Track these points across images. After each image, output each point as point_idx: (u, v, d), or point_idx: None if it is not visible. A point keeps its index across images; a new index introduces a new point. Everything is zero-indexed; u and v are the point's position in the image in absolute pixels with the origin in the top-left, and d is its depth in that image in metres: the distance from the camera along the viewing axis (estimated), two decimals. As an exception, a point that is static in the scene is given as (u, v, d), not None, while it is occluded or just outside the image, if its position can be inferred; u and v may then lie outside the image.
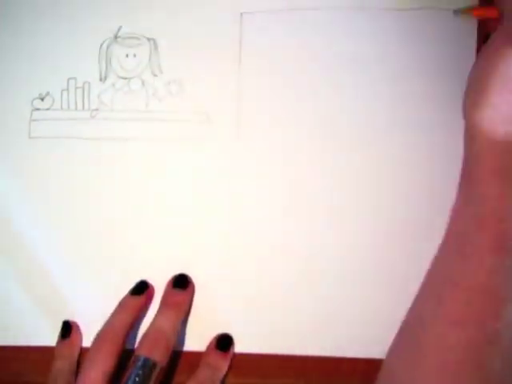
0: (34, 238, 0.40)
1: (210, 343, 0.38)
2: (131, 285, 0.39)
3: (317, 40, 0.39)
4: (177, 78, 0.40)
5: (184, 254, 0.39)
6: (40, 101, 0.40)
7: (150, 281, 0.39)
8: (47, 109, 0.40)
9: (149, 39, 0.40)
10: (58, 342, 0.39)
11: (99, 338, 0.36)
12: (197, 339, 0.39)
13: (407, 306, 0.36)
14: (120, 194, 0.40)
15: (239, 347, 0.39)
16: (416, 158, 0.38)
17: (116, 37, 0.40)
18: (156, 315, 0.37)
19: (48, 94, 0.40)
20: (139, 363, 0.34)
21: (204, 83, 0.39)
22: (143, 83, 0.40)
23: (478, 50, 0.38)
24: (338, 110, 0.39)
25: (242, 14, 0.39)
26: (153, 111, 0.40)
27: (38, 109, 0.40)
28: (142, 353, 0.35)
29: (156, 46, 0.40)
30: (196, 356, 0.39)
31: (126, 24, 0.40)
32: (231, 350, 0.38)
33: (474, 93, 0.31)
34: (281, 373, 0.39)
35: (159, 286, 0.39)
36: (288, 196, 0.39)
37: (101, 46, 0.40)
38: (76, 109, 0.40)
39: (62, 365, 0.37)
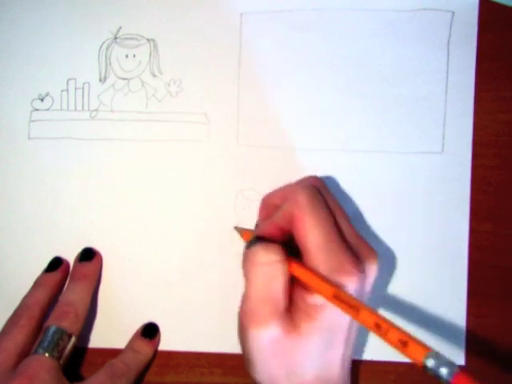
0: (32, 238, 0.40)
1: (137, 331, 0.39)
2: (128, 285, 0.39)
3: (316, 40, 0.39)
4: (176, 78, 0.40)
5: (184, 253, 0.39)
6: (39, 101, 0.40)
7: (148, 286, 0.39)
8: (47, 109, 0.40)
9: (148, 40, 0.40)
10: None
11: (14, 313, 0.37)
12: (193, 340, 0.39)
13: (404, 308, 0.37)
14: (119, 195, 0.40)
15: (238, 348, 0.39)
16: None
17: (116, 37, 0.40)
18: (64, 289, 0.38)
19: (47, 94, 0.40)
20: (48, 331, 0.35)
21: (204, 84, 0.39)
22: (143, 84, 0.40)
23: (478, 50, 0.38)
24: (337, 110, 0.39)
25: (241, 14, 0.39)
26: (152, 112, 0.40)
27: (37, 109, 0.40)
28: (51, 323, 0.35)
29: (156, 47, 0.40)
30: (194, 356, 0.39)
31: (126, 25, 0.40)
32: (156, 338, 0.39)
33: (244, 357, 0.33)
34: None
35: (161, 286, 0.39)
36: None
37: (100, 46, 0.40)
38: (75, 109, 0.40)
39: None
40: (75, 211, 0.40)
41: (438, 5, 0.38)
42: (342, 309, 0.29)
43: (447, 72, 0.38)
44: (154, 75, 0.40)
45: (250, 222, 0.39)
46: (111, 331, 0.39)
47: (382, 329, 0.27)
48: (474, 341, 0.38)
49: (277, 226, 0.33)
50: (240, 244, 0.39)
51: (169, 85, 0.40)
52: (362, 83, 0.39)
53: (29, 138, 0.40)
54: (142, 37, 0.40)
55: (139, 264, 0.39)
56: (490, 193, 0.39)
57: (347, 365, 0.33)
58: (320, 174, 0.38)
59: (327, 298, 0.30)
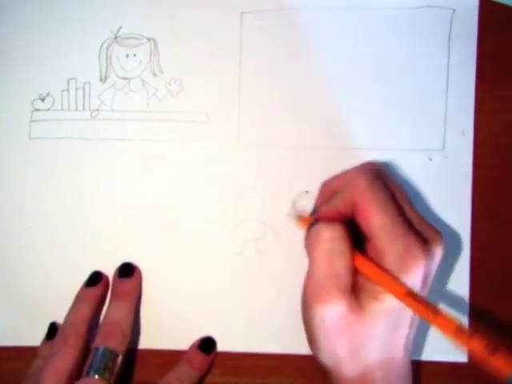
0: (33, 238, 0.40)
1: (194, 343, 0.39)
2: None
3: (317, 39, 0.39)
4: (177, 77, 0.40)
5: (184, 253, 0.39)
6: (40, 101, 0.40)
7: (148, 285, 0.39)
8: (47, 109, 0.40)
9: (149, 39, 0.40)
10: (42, 343, 0.39)
11: (62, 331, 0.36)
12: (193, 340, 0.39)
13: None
14: (120, 194, 0.40)
15: (239, 347, 0.39)
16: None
17: (116, 37, 0.40)
18: (107, 307, 0.38)
19: (48, 94, 0.40)
20: (98, 353, 0.35)
21: (204, 83, 0.39)
22: (143, 83, 0.40)
23: (478, 50, 0.38)
24: (338, 108, 0.39)
25: (241, 13, 0.39)
26: (153, 111, 0.40)
27: (38, 109, 0.40)
28: (99, 344, 0.35)
29: (156, 46, 0.40)
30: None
31: (126, 24, 0.40)
32: (213, 353, 0.38)
33: (307, 336, 0.33)
34: (280, 373, 0.39)
35: (160, 285, 0.39)
36: (289, 195, 0.39)
37: (101, 46, 0.40)
38: (76, 109, 0.40)
39: (41, 364, 0.37)
40: (76, 211, 0.40)
41: (439, 2, 0.38)
42: (416, 310, 0.29)
43: (448, 69, 0.38)
44: (155, 74, 0.40)
45: (251, 222, 0.39)
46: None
47: (464, 334, 0.26)
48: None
49: (337, 210, 0.33)
50: (240, 243, 0.39)
51: (169, 84, 0.40)
52: (363, 81, 0.39)
53: (30, 138, 0.40)
54: (143, 36, 0.40)
55: (139, 262, 0.39)
56: (490, 193, 0.38)
57: (409, 348, 0.33)
58: (321, 173, 0.38)
59: (399, 296, 0.29)
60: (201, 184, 0.39)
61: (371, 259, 0.31)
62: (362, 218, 0.32)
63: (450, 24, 0.38)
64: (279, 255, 0.39)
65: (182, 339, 0.39)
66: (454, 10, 0.38)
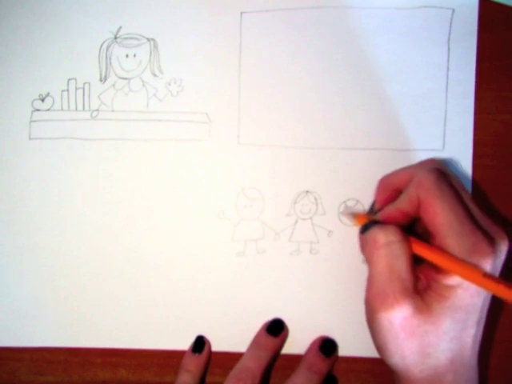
0: (34, 238, 0.40)
1: (312, 345, 0.38)
2: (129, 285, 0.39)
3: (316, 39, 0.39)
4: (177, 78, 0.40)
5: (185, 252, 0.39)
6: (40, 102, 0.40)
7: (148, 285, 0.39)
8: (47, 109, 0.40)
9: (149, 39, 0.40)
10: (187, 354, 0.39)
11: (235, 376, 0.36)
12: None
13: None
14: (120, 195, 0.40)
15: (239, 347, 0.39)
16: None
17: (116, 37, 0.40)
18: (245, 354, 0.37)
19: (48, 94, 0.40)
20: None
21: (204, 83, 0.39)
22: (143, 83, 0.40)
23: (478, 50, 0.38)
24: (338, 108, 0.39)
25: (241, 13, 0.39)
26: (153, 111, 0.40)
27: (38, 110, 0.40)
28: None
29: (156, 46, 0.40)
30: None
31: (126, 24, 0.40)
32: (335, 355, 0.38)
33: (375, 341, 0.33)
34: (280, 373, 0.39)
35: (160, 285, 0.39)
36: (289, 195, 0.39)
37: (101, 46, 0.40)
38: (76, 109, 0.40)
39: (188, 379, 0.37)
40: (77, 211, 0.40)
41: (439, 2, 0.38)
42: (497, 291, 0.29)
43: (448, 69, 0.38)
44: (155, 75, 0.40)
45: (252, 222, 0.39)
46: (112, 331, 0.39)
47: None
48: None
49: (401, 210, 0.33)
50: (241, 243, 0.39)
51: (169, 84, 0.40)
52: (363, 81, 0.39)
53: (30, 139, 0.40)
54: (142, 36, 0.40)
55: (140, 262, 0.39)
56: (490, 193, 0.39)
57: (477, 348, 0.33)
58: (320, 172, 0.38)
59: (474, 280, 0.29)
60: (201, 184, 0.39)
61: (442, 249, 0.31)
62: (428, 215, 0.32)
63: (450, 24, 0.38)
64: (280, 255, 0.39)
65: (182, 339, 0.39)
66: (453, 10, 0.38)
